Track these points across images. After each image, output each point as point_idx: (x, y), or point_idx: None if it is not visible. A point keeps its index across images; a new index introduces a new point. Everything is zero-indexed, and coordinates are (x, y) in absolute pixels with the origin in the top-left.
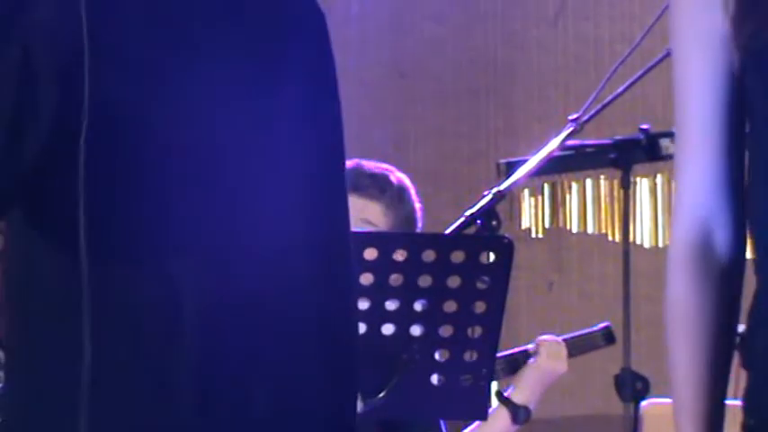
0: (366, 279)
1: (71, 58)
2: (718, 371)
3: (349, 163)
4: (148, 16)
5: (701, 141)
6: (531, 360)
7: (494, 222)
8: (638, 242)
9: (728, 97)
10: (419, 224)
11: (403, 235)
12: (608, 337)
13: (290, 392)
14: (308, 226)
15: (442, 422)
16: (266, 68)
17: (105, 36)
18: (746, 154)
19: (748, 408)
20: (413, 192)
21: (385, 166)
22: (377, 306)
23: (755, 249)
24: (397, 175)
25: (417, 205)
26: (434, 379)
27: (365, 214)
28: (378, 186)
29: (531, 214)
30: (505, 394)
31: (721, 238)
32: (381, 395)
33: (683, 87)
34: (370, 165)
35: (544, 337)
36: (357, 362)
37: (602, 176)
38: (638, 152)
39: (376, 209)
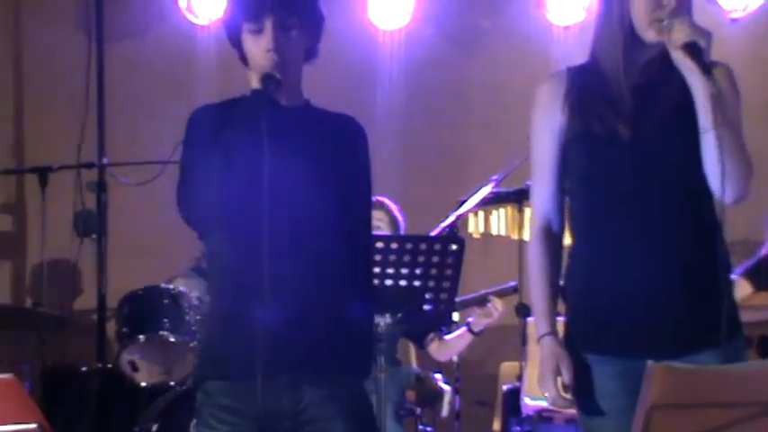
0: (377, 256)
1: None
2: (552, 290)
3: (375, 197)
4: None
5: (545, 177)
6: (489, 305)
7: (455, 230)
8: (527, 239)
9: (559, 158)
10: (401, 224)
11: (409, 236)
12: (515, 289)
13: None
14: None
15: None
16: (330, 154)
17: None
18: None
19: (567, 331)
20: (395, 209)
21: (388, 201)
22: (384, 269)
23: (572, 237)
24: (389, 204)
25: (399, 216)
26: (426, 307)
27: (378, 216)
28: (382, 207)
29: (473, 225)
30: (468, 320)
31: (554, 225)
32: (399, 315)
33: (536, 151)
34: (381, 198)
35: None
36: (370, 276)
37: (508, 206)
38: (525, 195)
39: (381, 215)
